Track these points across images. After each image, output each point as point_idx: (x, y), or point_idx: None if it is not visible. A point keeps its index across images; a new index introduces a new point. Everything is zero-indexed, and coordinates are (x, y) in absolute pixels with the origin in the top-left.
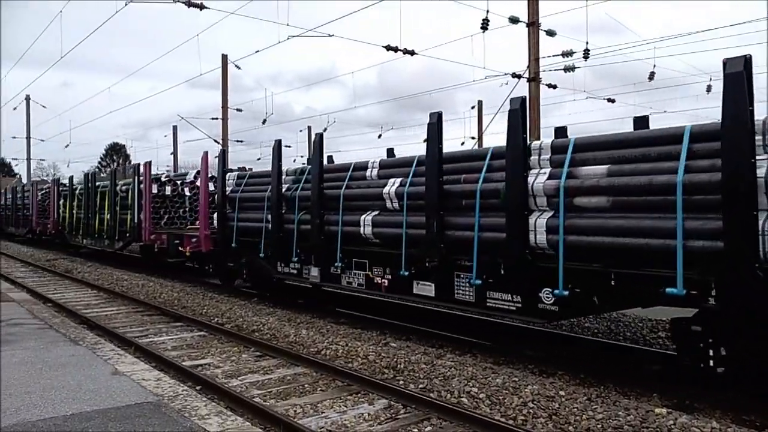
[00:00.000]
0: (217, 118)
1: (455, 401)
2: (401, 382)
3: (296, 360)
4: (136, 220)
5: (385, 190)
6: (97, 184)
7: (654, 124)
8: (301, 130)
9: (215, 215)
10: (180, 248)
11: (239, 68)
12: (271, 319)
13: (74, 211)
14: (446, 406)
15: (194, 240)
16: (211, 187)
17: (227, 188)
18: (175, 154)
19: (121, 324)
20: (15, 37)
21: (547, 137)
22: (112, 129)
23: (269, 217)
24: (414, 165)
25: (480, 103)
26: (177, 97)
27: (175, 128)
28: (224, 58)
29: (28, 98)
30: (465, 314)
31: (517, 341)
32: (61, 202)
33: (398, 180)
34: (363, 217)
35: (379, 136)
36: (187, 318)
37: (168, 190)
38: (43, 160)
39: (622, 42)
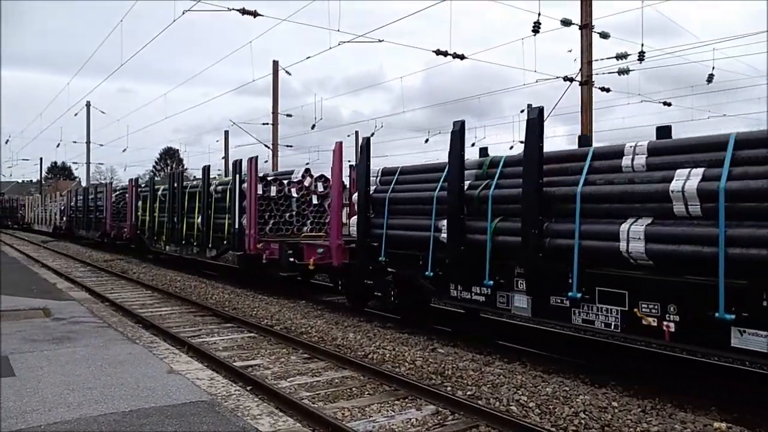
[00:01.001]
0: (267, 123)
1: (504, 409)
2: (449, 388)
3: (344, 363)
4: (236, 226)
5: (674, 186)
6: (185, 184)
7: (712, 128)
8: (348, 135)
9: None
10: (292, 259)
11: (290, 74)
12: (319, 321)
13: (155, 215)
14: (495, 414)
15: (321, 251)
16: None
17: (370, 187)
18: (226, 158)
19: (175, 324)
20: (77, 47)
21: (598, 142)
22: (167, 134)
23: (442, 224)
24: (731, 148)
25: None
26: (228, 102)
27: (226, 133)
28: (275, 64)
29: (88, 104)
30: (513, 322)
31: (567, 350)
32: (140, 203)
33: (699, 171)
34: (626, 227)
35: (426, 141)
36: (237, 319)
37: (273, 191)
38: (102, 164)
39: (679, 43)
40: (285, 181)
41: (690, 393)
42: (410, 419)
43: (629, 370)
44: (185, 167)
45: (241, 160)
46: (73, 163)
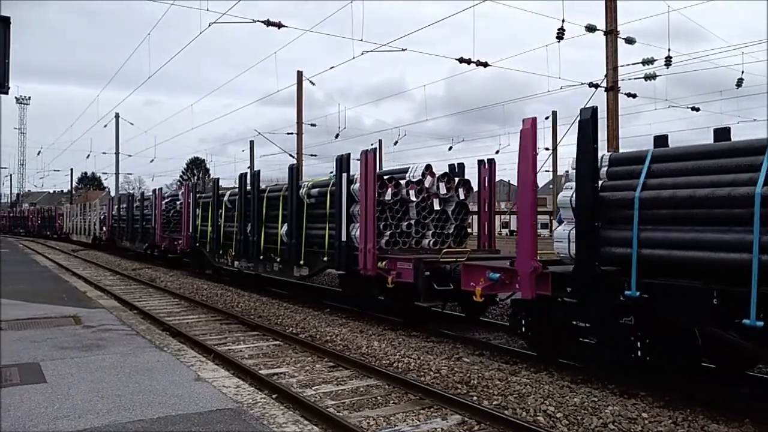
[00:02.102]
0: (292, 133)
1: (531, 420)
2: (475, 398)
3: (369, 372)
4: (343, 238)
5: None
6: (263, 187)
7: (745, 134)
8: (372, 144)
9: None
10: (428, 283)
11: (313, 84)
12: (343, 330)
13: (221, 224)
14: (522, 425)
15: (497, 276)
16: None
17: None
18: (251, 167)
19: (201, 332)
20: (107, 60)
21: (625, 148)
22: (193, 144)
23: None
24: None
25: (554, 113)
26: (252, 113)
27: (251, 143)
28: (299, 74)
29: (117, 116)
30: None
31: (595, 360)
32: (199, 211)
33: None
34: None
35: (450, 149)
36: (263, 327)
37: (388, 194)
38: (130, 174)
39: (706, 48)
40: (402, 182)
41: (723, 404)
42: (436, 429)
43: (660, 380)
44: (211, 176)
45: (348, 154)
46: (103, 173)
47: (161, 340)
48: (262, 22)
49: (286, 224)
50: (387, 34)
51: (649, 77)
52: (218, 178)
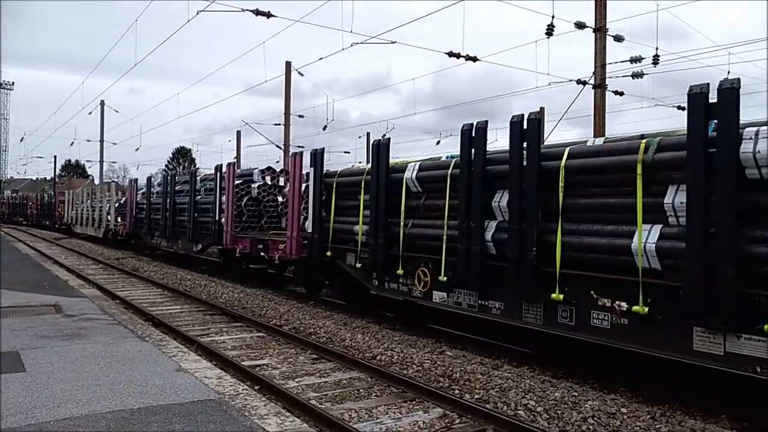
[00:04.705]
0: (279, 124)
1: (512, 413)
2: (457, 391)
3: (352, 364)
4: None
5: None
6: (546, 149)
7: None
8: (360, 137)
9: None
10: None
11: (302, 75)
12: (327, 322)
13: (398, 221)
14: (502, 418)
15: None
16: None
17: None
18: (238, 158)
19: (184, 322)
20: (93, 47)
21: None
22: (178, 133)
23: None
24: None
25: (542, 109)
26: (238, 103)
27: (238, 133)
28: (288, 65)
29: (102, 103)
30: (522, 326)
31: (577, 355)
32: (329, 199)
33: None
34: None
35: (438, 143)
36: (246, 319)
37: None
38: (115, 162)
39: (692, 47)
40: None
41: (701, 400)
42: (417, 422)
43: (639, 376)
44: (197, 167)
45: None
46: (87, 161)
47: (143, 330)
48: (251, 11)
49: (652, 228)
50: (376, 27)
51: (636, 75)
52: (389, 138)
